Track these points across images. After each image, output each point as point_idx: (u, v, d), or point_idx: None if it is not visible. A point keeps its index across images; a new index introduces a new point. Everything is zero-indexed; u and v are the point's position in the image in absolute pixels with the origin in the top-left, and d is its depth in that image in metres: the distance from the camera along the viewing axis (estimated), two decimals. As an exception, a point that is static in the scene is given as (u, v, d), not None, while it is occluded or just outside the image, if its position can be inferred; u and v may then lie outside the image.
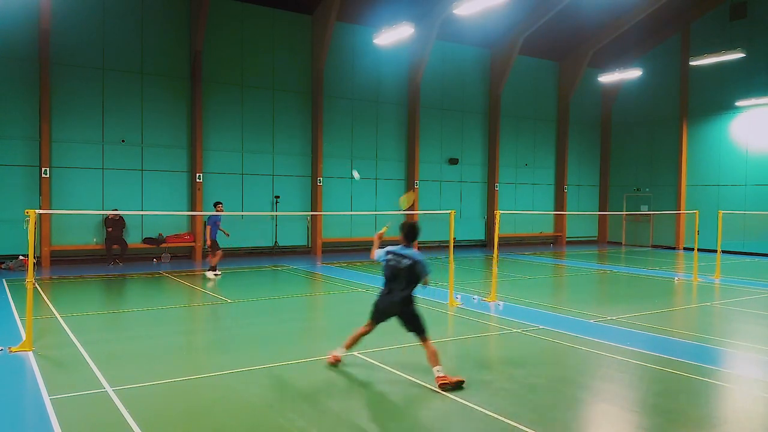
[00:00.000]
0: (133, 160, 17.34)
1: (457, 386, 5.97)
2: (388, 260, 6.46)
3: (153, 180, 17.61)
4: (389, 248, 6.53)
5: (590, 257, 21.01)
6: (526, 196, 25.43)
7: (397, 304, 6.34)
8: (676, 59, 24.36)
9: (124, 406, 5.39)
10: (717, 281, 14.51)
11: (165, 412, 5.44)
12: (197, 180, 17.85)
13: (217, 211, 13.96)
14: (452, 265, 11.06)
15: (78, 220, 16.47)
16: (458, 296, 11.32)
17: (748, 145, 22.36)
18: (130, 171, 17.30)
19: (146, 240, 17.38)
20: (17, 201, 15.55)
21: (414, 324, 6.36)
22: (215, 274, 13.94)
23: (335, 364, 6.74)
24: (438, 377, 6.02)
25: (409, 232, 6.53)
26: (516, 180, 25.11)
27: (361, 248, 21.31)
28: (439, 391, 5.95)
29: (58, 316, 9.28)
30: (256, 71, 19.09)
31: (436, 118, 22.87)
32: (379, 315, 6.57)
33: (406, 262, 6.31)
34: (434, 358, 6.14)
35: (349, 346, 6.76)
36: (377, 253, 6.69)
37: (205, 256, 14.40)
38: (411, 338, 8.30)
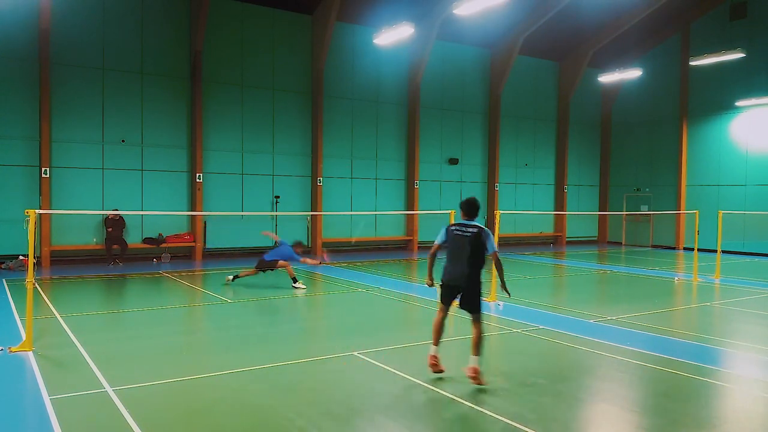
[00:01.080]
0: (133, 160, 17.33)
1: (480, 384, 5.98)
2: (452, 231, 6.26)
3: (153, 180, 17.61)
4: (450, 225, 6.38)
5: (590, 257, 21.01)
6: (526, 196, 25.43)
7: (464, 274, 6.12)
8: (676, 59, 24.35)
9: (124, 406, 5.39)
10: (717, 281, 14.51)
11: (165, 412, 5.44)
12: (197, 180, 17.85)
13: (298, 252, 12.72)
14: (452, 265, 11.06)
15: (78, 220, 16.46)
16: (458, 296, 11.30)
17: (748, 145, 22.36)
18: (130, 171, 17.30)
19: (146, 240, 17.38)
20: (17, 201, 15.55)
21: (472, 300, 6.20)
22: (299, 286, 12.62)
23: (437, 369, 6.29)
24: (470, 368, 5.98)
25: (470, 207, 6.44)
26: (516, 180, 25.11)
27: (362, 248, 21.33)
28: (438, 390, 5.95)
29: (58, 316, 9.28)
30: (256, 71, 19.09)
31: (436, 118, 22.87)
32: (446, 293, 6.30)
33: (471, 230, 6.18)
34: (477, 346, 6.05)
35: (438, 341, 6.39)
36: (438, 237, 6.47)
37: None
38: (411, 338, 8.31)
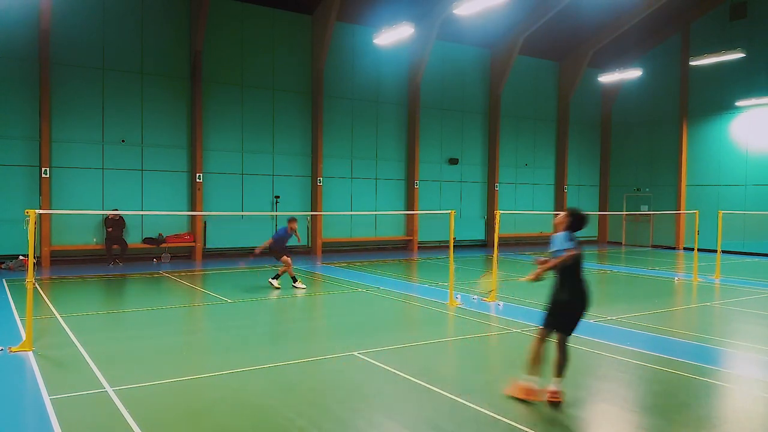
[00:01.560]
0: (133, 160, 17.34)
1: (560, 402, 5.60)
2: (576, 248, 5.49)
3: (153, 180, 17.61)
4: (568, 234, 5.58)
5: (590, 257, 21.01)
6: (526, 196, 25.43)
7: (587, 299, 5.71)
8: (676, 59, 24.35)
9: (124, 406, 5.39)
10: (717, 281, 14.51)
11: (165, 412, 5.44)
12: (197, 180, 17.85)
13: (290, 229, 12.85)
14: (452, 265, 11.06)
15: (78, 220, 16.47)
16: (458, 296, 11.32)
17: (748, 145, 22.36)
18: (130, 171, 17.30)
19: (146, 240, 17.38)
20: (17, 201, 15.55)
21: (578, 323, 5.75)
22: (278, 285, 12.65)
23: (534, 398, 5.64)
24: (551, 391, 5.60)
25: (581, 220, 5.75)
26: (516, 180, 25.11)
27: (362, 248, 21.33)
28: (438, 390, 5.94)
29: (58, 316, 9.28)
30: (256, 71, 19.09)
31: (436, 118, 22.88)
32: (565, 318, 5.68)
33: (582, 250, 5.61)
34: (562, 367, 5.68)
35: (539, 371, 5.72)
36: (558, 240, 5.60)
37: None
38: (411, 338, 8.31)
